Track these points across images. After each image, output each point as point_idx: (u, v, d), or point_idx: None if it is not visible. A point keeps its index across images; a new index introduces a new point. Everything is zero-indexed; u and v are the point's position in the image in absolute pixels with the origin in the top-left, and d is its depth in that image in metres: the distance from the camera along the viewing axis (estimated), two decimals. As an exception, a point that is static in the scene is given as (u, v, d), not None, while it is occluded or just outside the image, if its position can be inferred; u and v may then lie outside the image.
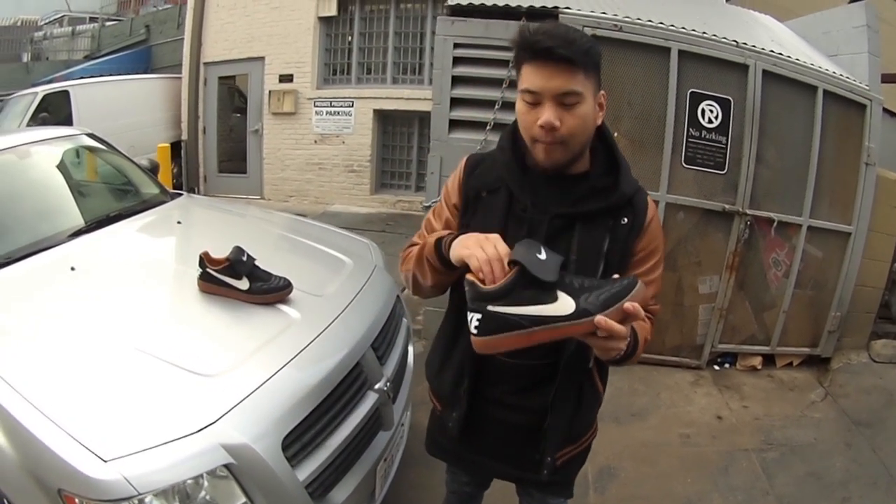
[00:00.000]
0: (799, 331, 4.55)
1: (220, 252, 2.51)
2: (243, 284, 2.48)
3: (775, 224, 4.24)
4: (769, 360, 4.57)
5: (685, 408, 4.00)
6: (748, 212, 4.17)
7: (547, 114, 1.44)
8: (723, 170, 4.16)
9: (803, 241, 4.35)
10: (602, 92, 1.53)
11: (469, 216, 1.68)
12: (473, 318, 1.32)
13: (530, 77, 1.46)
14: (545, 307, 1.30)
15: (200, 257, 2.50)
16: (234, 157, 10.64)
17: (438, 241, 1.54)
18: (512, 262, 1.31)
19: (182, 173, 10.45)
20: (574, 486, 1.90)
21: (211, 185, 10.57)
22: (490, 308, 1.30)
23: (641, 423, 3.82)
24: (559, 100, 1.43)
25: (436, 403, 1.89)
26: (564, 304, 1.29)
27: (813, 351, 4.59)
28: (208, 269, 2.50)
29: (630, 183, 1.59)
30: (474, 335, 1.33)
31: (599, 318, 1.26)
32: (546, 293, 1.30)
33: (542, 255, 1.31)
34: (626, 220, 1.57)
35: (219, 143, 10.58)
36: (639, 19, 4.05)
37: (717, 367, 4.52)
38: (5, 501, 1.78)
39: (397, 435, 2.62)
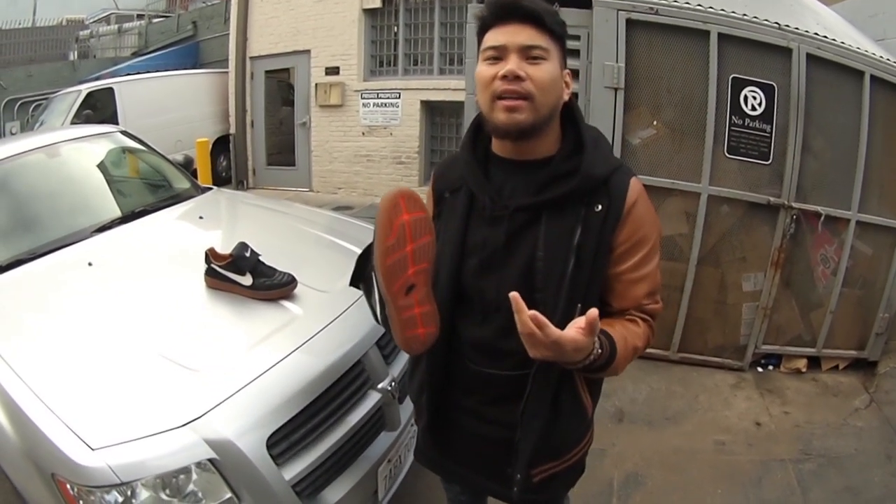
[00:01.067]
0: (846, 332, 4.31)
1: (231, 247, 2.55)
2: (247, 280, 2.49)
3: (823, 218, 4.00)
4: (814, 362, 4.34)
5: (723, 412, 3.81)
6: (794, 205, 3.94)
7: (511, 63, 1.35)
8: (767, 160, 3.93)
9: (852, 237, 4.10)
10: (567, 71, 1.45)
11: (437, 220, 1.58)
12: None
13: (495, 35, 1.40)
14: (375, 291, 1.47)
15: (206, 253, 2.53)
16: (283, 150, 10.85)
17: None
18: (353, 285, 1.62)
19: (231, 166, 10.61)
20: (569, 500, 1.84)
21: (260, 177, 10.81)
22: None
23: (675, 428, 3.65)
24: (524, 53, 1.37)
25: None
26: None
27: (860, 354, 4.35)
28: (213, 265, 2.53)
29: (602, 163, 1.44)
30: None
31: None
32: (370, 283, 1.50)
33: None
34: (599, 206, 1.42)
35: (267, 136, 10.80)
36: (676, 1, 3.85)
37: (760, 369, 4.31)
38: (10, 483, 1.89)
39: (406, 435, 2.55)
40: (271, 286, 2.50)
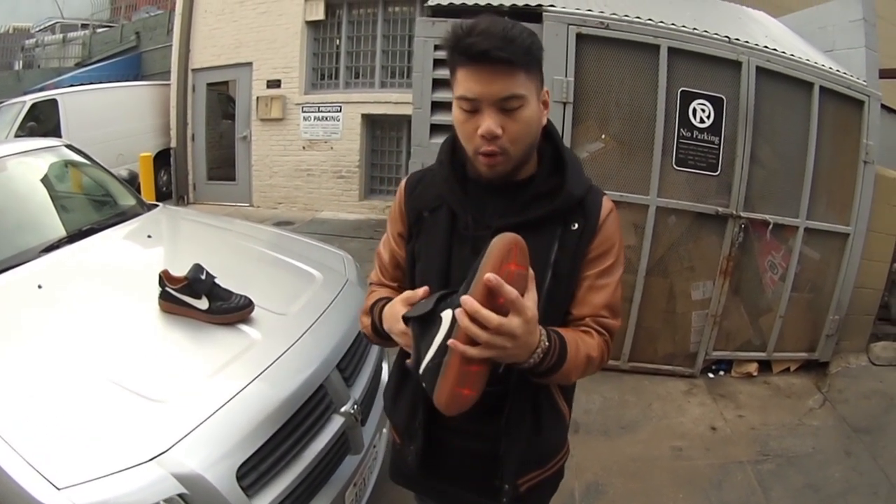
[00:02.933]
0: (796, 335, 4.43)
1: (184, 268, 2.45)
2: (203, 304, 2.41)
3: (771, 226, 4.11)
4: (765, 366, 4.45)
5: (678, 419, 3.87)
6: (742, 214, 4.04)
7: (487, 122, 1.31)
8: (716, 171, 4.02)
9: (800, 244, 4.23)
10: (546, 89, 1.41)
11: (415, 240, 1.57)
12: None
13: (466, 82, 1.33)
14: (438, 335, 1.28)
15: (160, 276, 2.44)
16: (224, 165, 10.62)
17: (373, 317, 1.52)
18: (405, 320, 1.35)
19: (172, 181, 10.42)
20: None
21: (200, 192, 10.57)
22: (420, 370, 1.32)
23: (631, 437, 3.69)
24: (500, 105, 1.31)
25: (395, 436, 1.76)
26: (445, 320, 1.28)
27: (811, 356, 4.48)
28: (167, 289, 2.44)
29: (579, 183, 1.45)
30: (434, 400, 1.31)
31: (464, 297, 1.18)
32: (432, 325, 1.30)
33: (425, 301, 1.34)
34: (576, 225, 1.43)
35: (208, 151, 10.57)
36: (626, 16, 3.91)
37: (711, 375, 4.39)
38: None
39: (369, 457, 2.54)
40: (228, 309, 2.42)
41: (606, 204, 1.49)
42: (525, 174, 1.46)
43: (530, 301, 1.24)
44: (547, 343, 1.31)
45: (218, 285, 2.46)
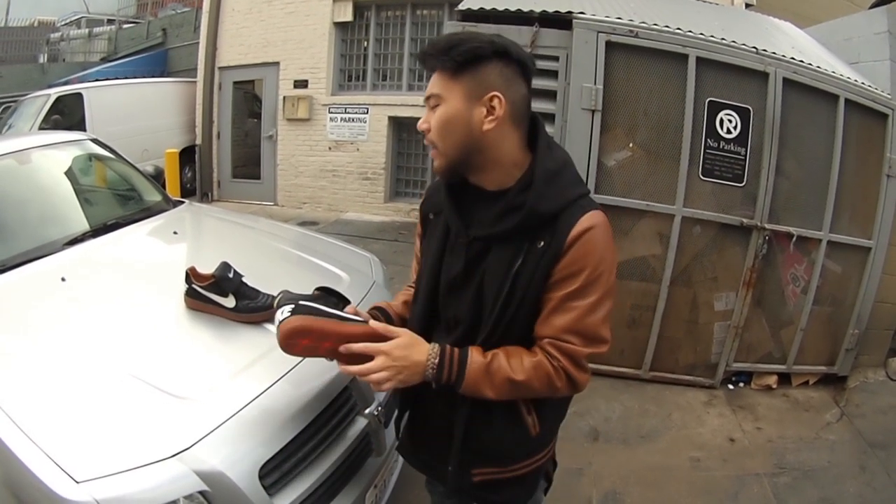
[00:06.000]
0: (816, 349, 4.41)
1: (210, 266, 2.44)
2: (229, 302, 2.41)
3: (794, 239, 4.09)
4: (785, 378, 4.43)
5: (697, 429, 3.86)
6: (767, 226, 4.02)
7: (423, 118, 1.50)
8: (741, 182, 4.00)
9: (822, 257, 4.20)
10: (494, 94, 1.42)
11: (423, 241, 1.72)
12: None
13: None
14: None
15: (187, 273, 2.43)
16: (249, 163, 10.69)
17: None
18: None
19: (196, 178, 10.47)
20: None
21: (224, 190, 10.65)
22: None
23: (650, 446, 3.69)
24: (429, 104, 1.50)
25: None
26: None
27: (829, 369, 4.45)
28: (194, 286, 2.43)
29: (552, 199, 1.44)
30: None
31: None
32: None
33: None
34: (542, 243, 1.44)
35: (233, 149, 10.65)
36: (655, 25, 3.90)
37: (731, 387, 4.37)
38: None
39: (390, 459, 2.53)
40: (255, 309, 2.41)
41: (583, 223, 1.43)
42: (498, 184, 1.52)
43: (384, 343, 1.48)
44: (437, 360, 1.48)
45: (245, 283, 2.45)
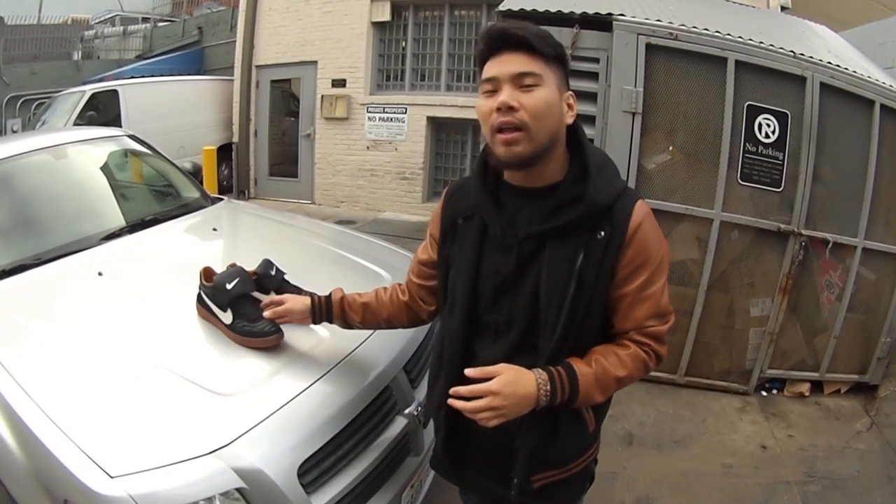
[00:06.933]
0: (848, 357, 4.36)
1: (250, 262, 2.42)
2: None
3: (830, 245, 4.05)
4: (817, 386, 4.39)
5: (730, 436, 3.85)
6: (804, 232, 3.98)
7: (504, 94, 1.39)
8: (779, 187, 3.97)
9: (857, 264, 4.15)
10: (570, 93, 1.47)
11: (448, 246, 1.65)
12: None
13: (489, 67, 1.44)
14: None
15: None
16: (286, 161, 10.76)
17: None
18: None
19: (233, 175, 10.57)
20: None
21: (261, 188, 10.72)
22: None
23: (684, 451, 3.68)
24: (516, 82, 1.40)
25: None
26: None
27: (861, 378, 4.40)
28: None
29: (606, 190, 1.46)
30: None
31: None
32: None
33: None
34: (602, 233, 1.44)
35: (270, 147, 10.72)
36: (694, 27, 3.88)
37: (764, 393, 4.34)
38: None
39: (427, 460, 2.50)
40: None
41: (639, 210, 1.48)
42: (550, 178, 1.50)
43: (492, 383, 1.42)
44: (549, 386, 1.44)
45: (287, 281, 2.44)
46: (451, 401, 1.44)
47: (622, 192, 1.48)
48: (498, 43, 1.42)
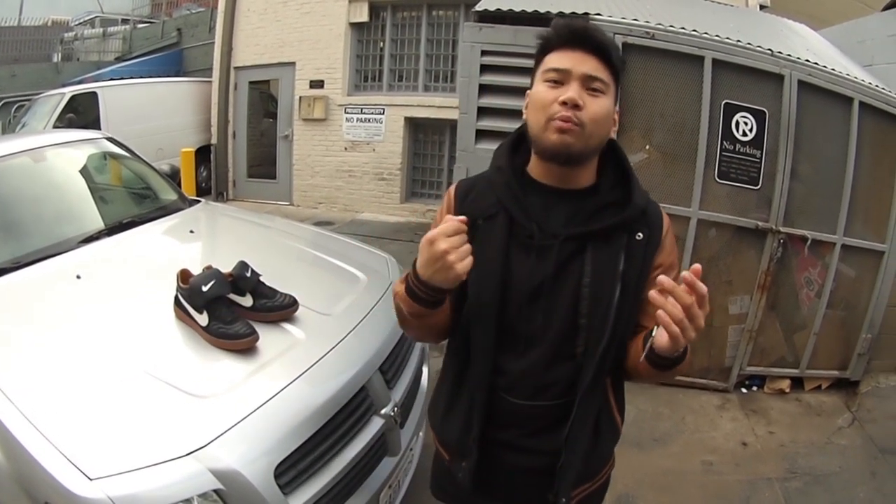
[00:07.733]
0: (829, 353, 4.39)
1: (226, 265, 2.45)
2: (247, 301, 2.41)
3: (809, 242, 4.07)
4: (797, 383, 4.41)
5: (710, 433, 3.86)
6: (782, 229, 4.00)
7: (572, 90, 1.36)
8: (756, 185, 3.99)
9: (836, 260, 4.18)
10: (617, 108, 1.47)
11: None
12: None
13: (559, 59, 1.40)
14: None
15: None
16: (264, 163, 10.73)
17: (407, 277, 1.44)
18: None
19: (211, 177, 10.54)
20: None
21: (240, 189, 10.71)
22: None
23: (663, 450, 3.69)
24: (586, 83, 1.38)
25: (442, 452, 1.71)
26: None
27: (842, 374, 4.43)
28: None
29: (642, 194, 1.49)
30: None
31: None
32: None
33: None
34: (640, 235, 1.45)
35: (249, 148, 10.70)
36: (671, 27, 3.89)
37: (744, 390, 4.36)
38: None
39: (405, 460, 2.54)
40: (272, 308, 2.41)
41: (665, 216, 1.53)
42: (583, 182, 1.48)
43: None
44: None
45: (262, 283, 2.46)
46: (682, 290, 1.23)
47: (650, 199, 1.52)
48: (576, 38, 1.39)
